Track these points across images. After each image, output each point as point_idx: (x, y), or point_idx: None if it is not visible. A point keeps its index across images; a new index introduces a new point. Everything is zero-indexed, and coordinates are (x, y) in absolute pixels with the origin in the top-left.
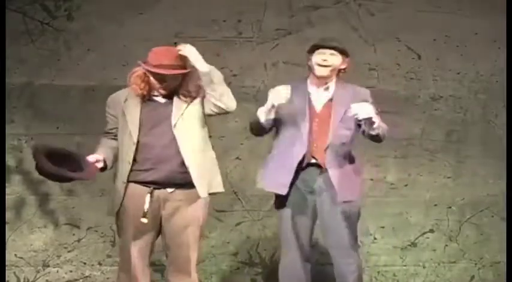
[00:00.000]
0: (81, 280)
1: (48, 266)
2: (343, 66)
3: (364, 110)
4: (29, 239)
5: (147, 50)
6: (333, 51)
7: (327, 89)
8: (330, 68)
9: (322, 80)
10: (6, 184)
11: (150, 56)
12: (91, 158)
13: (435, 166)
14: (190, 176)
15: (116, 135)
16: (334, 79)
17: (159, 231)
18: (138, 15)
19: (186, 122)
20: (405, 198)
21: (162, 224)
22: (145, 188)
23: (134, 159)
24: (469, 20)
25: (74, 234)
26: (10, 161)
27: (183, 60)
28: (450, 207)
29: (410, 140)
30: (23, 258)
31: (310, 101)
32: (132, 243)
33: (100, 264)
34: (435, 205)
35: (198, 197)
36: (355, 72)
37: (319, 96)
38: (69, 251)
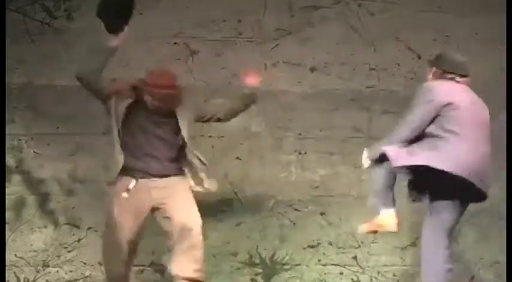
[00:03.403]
0: (81, 280)
1: (48, 266)
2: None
3: None
4: (29, 239)
5: (147, 50)
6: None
7: None
8: None
9: None
10: (6, 184)
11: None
12: None
13: None
14: None
15: None
16: None
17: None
18: (138, 15)
19: None
20: (405, 198)
21: None
22: None
23: None
24: (469, 20)
25: (74, 234)
26: (10, 161)
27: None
28: None
29: None
30: (23, 258)
31: None
32: None
33: (100, 264)
34: None
35: None
36: (355, 72)
37: None
38: (69, 251)
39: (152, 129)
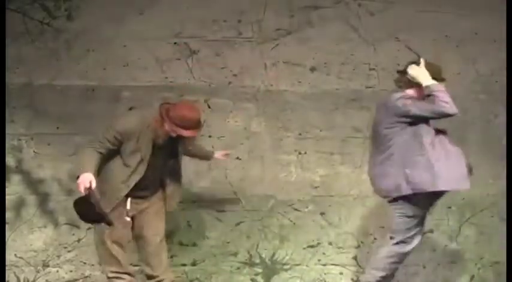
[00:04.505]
0: (81, 280)
1: (48, 266)
2: None
3: None
4: (29, 239)
5: (147, 50)
6: None
7: None
8: None
9: None
10: (6, 184)
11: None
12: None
13: None
14: None
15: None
16: None
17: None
18: (138, 15)
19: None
20: None
21: None
22: None
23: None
24: (469, 20)
25: (73, 234)
26: (10, 161)
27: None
28: (450, 207)
29: None
30: (23, 258)
31: None
32: None
33: (100, 264)
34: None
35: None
36: (355, 72)
37: None
38: (69, 251)
39: (152, 158)
